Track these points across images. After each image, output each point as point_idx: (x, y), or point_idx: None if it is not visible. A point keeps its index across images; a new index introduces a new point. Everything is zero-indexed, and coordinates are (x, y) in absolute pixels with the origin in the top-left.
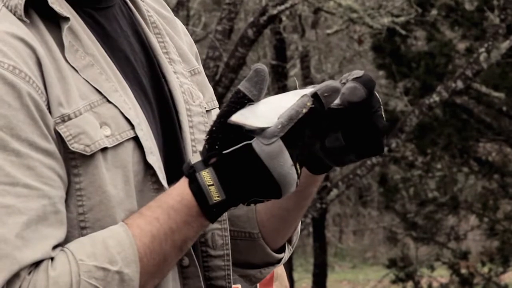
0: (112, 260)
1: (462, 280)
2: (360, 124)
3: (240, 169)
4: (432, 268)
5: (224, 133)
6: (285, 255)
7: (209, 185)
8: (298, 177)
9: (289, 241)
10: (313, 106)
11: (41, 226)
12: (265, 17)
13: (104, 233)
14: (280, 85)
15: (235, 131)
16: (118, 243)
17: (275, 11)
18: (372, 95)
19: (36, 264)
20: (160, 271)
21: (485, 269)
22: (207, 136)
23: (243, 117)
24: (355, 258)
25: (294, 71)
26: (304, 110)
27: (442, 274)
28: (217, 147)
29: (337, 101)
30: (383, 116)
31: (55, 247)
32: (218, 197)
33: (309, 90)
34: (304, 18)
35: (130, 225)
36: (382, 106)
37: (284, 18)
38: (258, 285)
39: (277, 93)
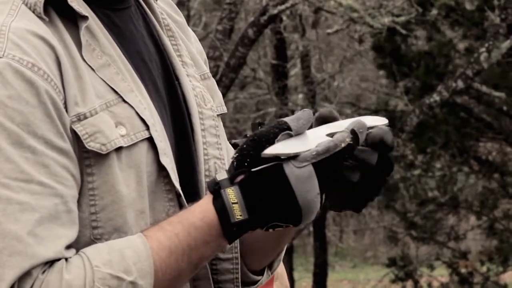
0: (127, 270)
1: (461, 279)
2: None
3: (266, 190)
4: (431, 268)
5: (255, 151)
6: (263, 279)
7: (233, 203)
8: (320, 208)
9: (270, 267)
10: (351, 142)
11: (53, 225)
12: (265, 17)
13: (122, 242)
14: (280, 85)
15: (266, 148)
16: (135, 253)
17: (275, 11)
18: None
19: (50, 264)
20: (173, 286)
21: (484, 269)
22: (237, 154)
23: (277, 150)
24: (356, 257)
25: (295, 71)
26: (343, 145)
27: (442, 273)
28: (246, 164)
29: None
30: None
31: (67, 247)
32: (240, 216)
33: (340, 123)
34: (305, 17)
35: (149, 238)
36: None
37: (284, 18)
38: None
39: (277, 92)
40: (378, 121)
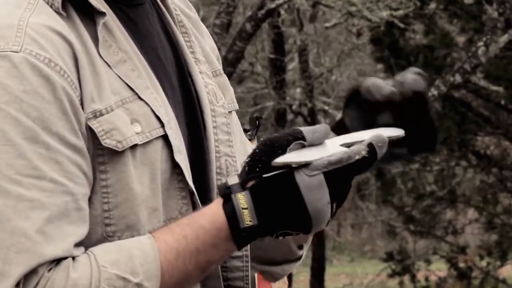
0: (134, 272)
1: (460, 273)
2: (416, 119)
3: (276, 197)
4: (429, 262)
5: (267, 157)
6: (304, 252)
7: (243, 208)
8: (331, 217)
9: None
10: (366, 155)
11: (63, 223)
12: (263, 11)
13: (130, 242)
14: (278, 79)
15: (278, 155)
16: (142, 255)
17: (273, 5)
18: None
19: (57, 262)
20: None
21: (483, 263)
22: (248, 158)
23: (288, 158)
24: (353, 251)
25: (293, 65)
26: (357, 157)
27: (440, 267)
28: (257, 170)
29: (396, 88)
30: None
31: (76, 245)
32: (250, 221)
33: (361, 134)
34: (303, 11)
35: (157, 239)
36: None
37: (282, 12)
38: (257, 279)
39: (275, 87)
40: (395, 132)
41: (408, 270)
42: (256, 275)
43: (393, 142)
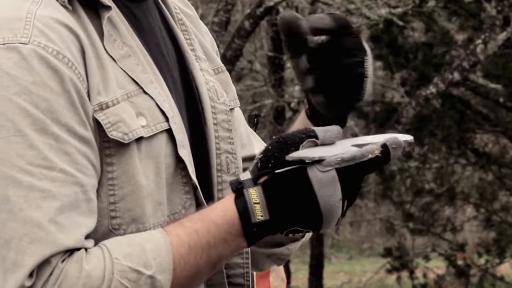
0: (147, 264)
1: (458, 271)
2: (332, 66)
3: (289, 192)
4: (427, 259)
5: (280, 153)
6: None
7: (255, 203)
8: (342, 215)
9: None
10: (380, 155)
11: (73, 213)
12: (261, 9)
13: (142, 235)
14: (277, 77)
15: (291, 152)
16: (155, 248)
17: (271, 3)
18: (345, 37)
19: (70, 253)
20: (191, 284)
21: (482, 261)
22: (261, 155)
23: (302, 154)
24: (352, 249)
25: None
26: (370, 156)
27: (439, 265)
28: (270, 165)
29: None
30: (364, 66)
31: (86, 237)
32: (261, 216)
33: (373, 138)
34: (301, 9)
35: (169, 233)
36: (369, 59)
37: (281, 10)
38: (255, 277)
39: (273, 84)
40: (403, 138)
41: (406, 266)
42: (255, 272)
43: (311, 89)
